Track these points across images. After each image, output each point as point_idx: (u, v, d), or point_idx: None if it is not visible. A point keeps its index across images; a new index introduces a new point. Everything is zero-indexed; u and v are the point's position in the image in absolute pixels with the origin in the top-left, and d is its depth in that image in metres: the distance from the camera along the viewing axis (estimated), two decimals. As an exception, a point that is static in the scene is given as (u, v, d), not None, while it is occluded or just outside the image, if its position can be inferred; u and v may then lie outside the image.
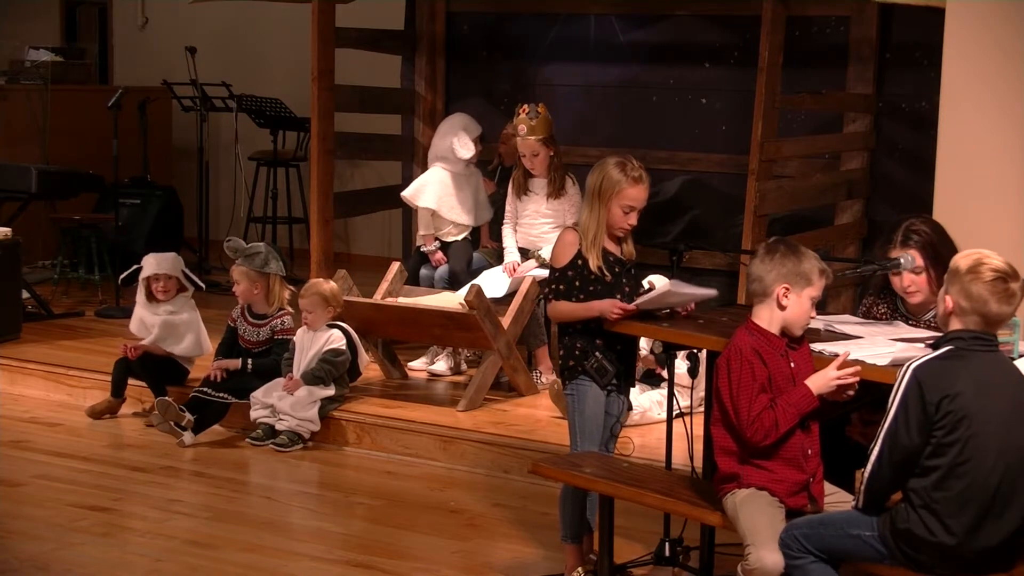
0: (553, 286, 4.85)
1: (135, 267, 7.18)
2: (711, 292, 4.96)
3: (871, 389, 4.16)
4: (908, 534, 3.81)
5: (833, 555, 3.99)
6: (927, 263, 4.70)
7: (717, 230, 8.33)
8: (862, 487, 3.92)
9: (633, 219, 4.79)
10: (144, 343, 7.05)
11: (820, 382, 4.16)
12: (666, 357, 5.03)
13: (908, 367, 3.81)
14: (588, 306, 4.76)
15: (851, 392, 4.18)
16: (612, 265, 4.81)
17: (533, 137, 7.25)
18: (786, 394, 4.16)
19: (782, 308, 4.20)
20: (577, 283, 4.79)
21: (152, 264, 7.09)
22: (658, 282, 4.89)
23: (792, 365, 4.22)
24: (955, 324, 3.87)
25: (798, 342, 4.26)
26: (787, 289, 4.19)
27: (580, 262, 4.78)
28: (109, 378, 7.17)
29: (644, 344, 6.54)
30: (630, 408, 6.37)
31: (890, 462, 3.80)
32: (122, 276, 7.09)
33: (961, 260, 3.92)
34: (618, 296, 4.78)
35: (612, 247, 4.83)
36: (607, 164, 4.79)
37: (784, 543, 4.02)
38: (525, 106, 7.29)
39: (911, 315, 4.83)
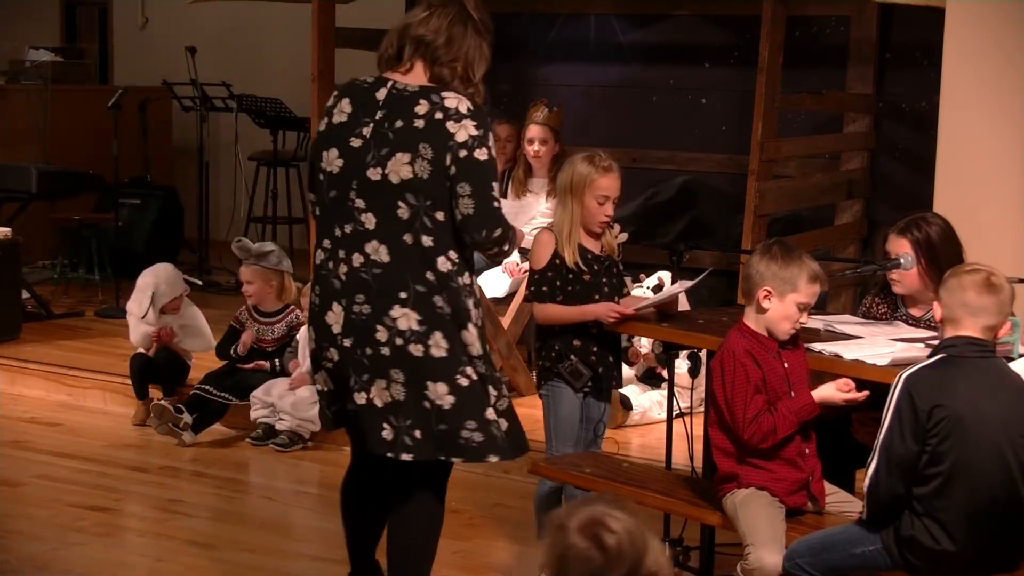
0: (534, 289, 4.83)
1: (149, 297, 7.05)
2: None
3: (870, 389, 4.16)
4: (912, 542, 3.79)
5: (840, 574, 3.98)
6: (917, 256, 4.70)
7: (717, 230, 8.33)
8: (865, 498, 3.90)
9: (609, 209, 4.78)
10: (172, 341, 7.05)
11: (827, 395, 4.16)
12: (666, 357, 5.04)
13: (900, 377, 3.80)
14: (582, 310, 4.75)
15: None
16: (591, 263, 4.80)
17: (546, 123, 7.30)
18: (788, 401, 4.14)
19: (763, 311, 4.19)
20: (558, 283, 4.78)
21: (168, 290, 7.05)
22: (666, 279, 4.88)
23: (786, 365, 4.20)
24: (948, 331, 3.86)
25: (792, 342, 4.25)
26: (769, 292, 4.16)
27: (558, 261, 4.78)
28: (109, 378, 7.19)
29: (646, 342, 6.55)
30: (629, 408, 6.42)
31: (888, 471, 3.78)
32: (144, 316, 7.02)
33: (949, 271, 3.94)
34: (596, 296, 4.78)
35: (590, 244, 4.82)
36: (575, 160, 4.82)
37: (789, 574, 4.00)
38: (545, 99, 7.39)
39: (911, 315, 4.84)
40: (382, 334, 4.08)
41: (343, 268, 4.13)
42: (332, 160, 4.14)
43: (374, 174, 4.07)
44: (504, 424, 4.19)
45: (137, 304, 7.03)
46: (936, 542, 3.76)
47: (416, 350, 4.07)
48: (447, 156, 4.03)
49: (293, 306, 6.95)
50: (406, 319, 4.07)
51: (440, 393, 4.09)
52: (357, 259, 4.10)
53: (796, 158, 7.96)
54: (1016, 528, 3.79)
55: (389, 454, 4.15)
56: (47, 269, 10.12)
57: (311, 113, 8.18)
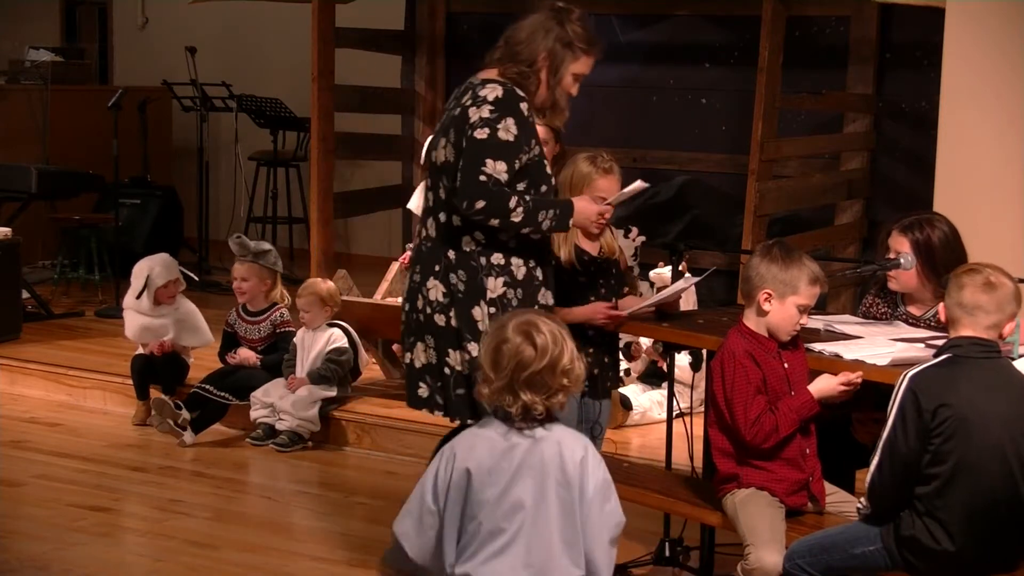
0: None
1: (144, 280, 7.05)
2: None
3: (870, 389, 4.16)
4: (913, 541, 3.79)
5: (840, 574, 3.98)
6: (914, 256, 4.69)
7: (717, 230, 8.33)
8: (866, 496, 3.90)
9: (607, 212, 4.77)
10: (167, 339, 7.03)
11: (823, 388, 4.15)
12: (663, 349, 5.03)
13: (905, 376, 3.80)
14: (572, 312, 4.66)
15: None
16: (587, 264, 4.78)
17: (548, 123, 7.27)
18: (788, 399, 4.15)
19: (763, 313, 4.19)
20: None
21: (163, 272, 7.05)
22: (670, 276, 4.85)
23: (786, 366, 4.20)
24: (951, 332, 3.87)
25: (792, 342, 4.25)
26: (769, 295, 4.16)
27: (555, 262, 4.77)
28: (109, 378, 7.18)
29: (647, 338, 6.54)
30: (629, 408, 6.42)
31: (891, 470, 3.78)
32: (138, 295, 7.01)
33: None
34: (592, 298, 4.77)
35: (588, 245, 4.80)
36: (577, 159, 4.81)
37: (789, 574, 4.00)
38: None
39: (911, 314, 4.84)
40: (420, 301, 4.54)
41: (417, 240, 4.67)
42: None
43: (434, 156, 4.55)
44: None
45: (132, 293, 7.02)
46: (936, 542, 3.76)
47: (440, 320, 4.49)
48: (463, 140, 4.40)
49: (278, 305, 6.94)
50: (435, 291, 4.49)
51: (458, 360, 4.46)
52: (422, 232, 4.61)
53: (796, 158, 7.97)
54: (1016, 528, 3.79)
55: (424, 410, 4.61)
56: (47, 269, 10.11)
57: (311, 113, 8.19)
